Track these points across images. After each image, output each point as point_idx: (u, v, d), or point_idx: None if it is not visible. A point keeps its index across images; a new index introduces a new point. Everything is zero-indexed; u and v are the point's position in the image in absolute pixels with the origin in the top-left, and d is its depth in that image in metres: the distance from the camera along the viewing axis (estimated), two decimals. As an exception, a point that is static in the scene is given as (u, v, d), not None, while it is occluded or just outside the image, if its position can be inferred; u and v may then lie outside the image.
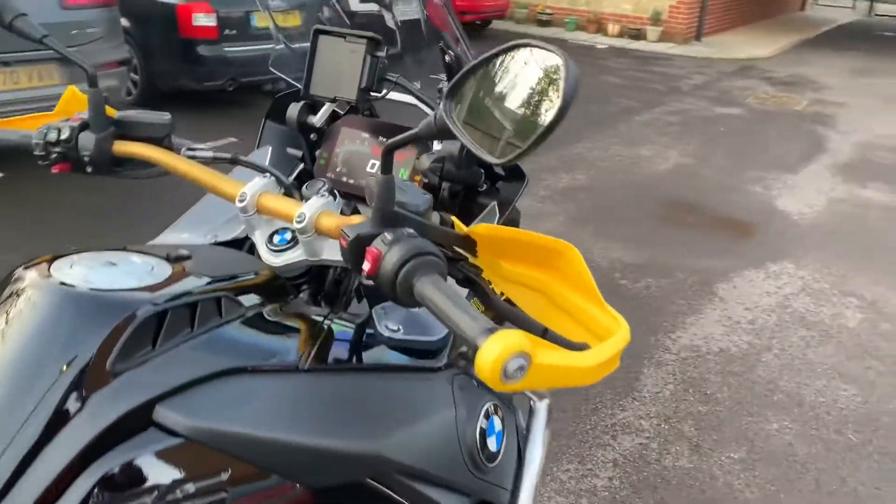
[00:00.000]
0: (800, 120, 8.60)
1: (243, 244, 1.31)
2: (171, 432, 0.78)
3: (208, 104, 7.08)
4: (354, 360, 0.95)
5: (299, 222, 1.03)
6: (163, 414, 0.78)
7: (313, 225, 1.03)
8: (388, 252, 0.79)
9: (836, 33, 17.36)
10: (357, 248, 0.83)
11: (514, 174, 1.37)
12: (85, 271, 0.86)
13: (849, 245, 4.98)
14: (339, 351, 0.95)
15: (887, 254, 4.87)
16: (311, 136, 1.46)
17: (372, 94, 1.24)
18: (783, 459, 2.78)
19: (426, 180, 1.28)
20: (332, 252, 1.10)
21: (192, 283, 0.89)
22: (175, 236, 1.26)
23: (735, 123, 8.18)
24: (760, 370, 3.39)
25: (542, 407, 1.10)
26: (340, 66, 1.24)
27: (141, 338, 0.80)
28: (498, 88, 0.72)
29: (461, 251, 0.92)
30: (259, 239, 1.14)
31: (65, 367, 0.76)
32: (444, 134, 0.73)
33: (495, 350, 0.62)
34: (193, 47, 6.50)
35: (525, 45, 0.69)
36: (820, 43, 15.45)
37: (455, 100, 0.74)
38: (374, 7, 1.40)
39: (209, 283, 0.90)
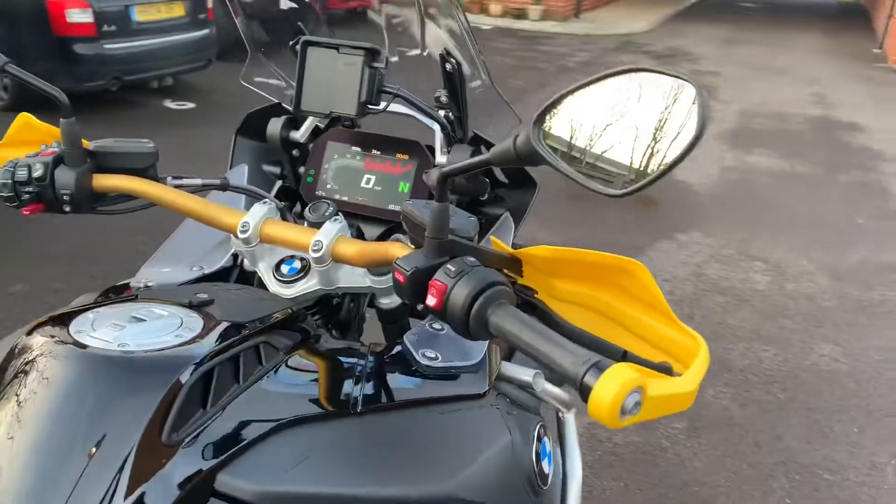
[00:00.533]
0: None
1: (230, 274, 1.23)
2: (234, 500, 0.73)
3: (91, 107, 6.64)
4: (400, 394, 0.91)
5: (316, 251, 0.97)
6: (225, 482, 0.72)
7: (330, 253, 0.98)
8: (455, 285, 0.76)
9: (703, 5, 18.21)
10: (417, 282, 0.79)
11: (522, 181, 1.34)
12: (112, 330, 0.78)
13: (745, 210, 5.26)
14: (384, 386, 0.91)
15: (778, 215, 5.17)
16: (294, 151, 1.38)
17: (371, 107, 1.18)
18: (724, 424, 2.91)
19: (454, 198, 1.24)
20: (349, 279, 1.04)
21: (228, 333, 0.82)
22: (157, 270, 1.16)
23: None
24: (687, 339, 3.53)
25: (570, 418, 1.09)
26: (335, 79, 1.17)
27: (191, 401, 0.74)
28: (608, 115, 0.69)
29: (509, 273, 0.89)
30: (264, 270, 1.07)
31: (108, 446, 0.68)
32: (530, 160, 0.70)
33: (612, 389, 0.60)
34: (69, 46, 6.08)
35: (644, 70, 0.67)
36: (690, 15, 16.18)
37: (543, 125, 0.70)
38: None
39: (244, 331, 0.84)
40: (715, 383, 3.17)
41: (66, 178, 1.04)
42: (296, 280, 1.04)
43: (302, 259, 1.06)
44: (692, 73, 9.86)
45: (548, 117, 0.70)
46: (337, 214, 1.05)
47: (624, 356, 0.80)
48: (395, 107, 1.27)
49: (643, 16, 15.00)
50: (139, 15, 6.39)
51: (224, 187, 1.14)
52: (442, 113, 1.29)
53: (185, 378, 0.74)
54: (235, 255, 1.23)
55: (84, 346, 0.76)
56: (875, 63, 11.68)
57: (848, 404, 3.11)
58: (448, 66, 1.20)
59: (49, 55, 6.09)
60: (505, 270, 0.88)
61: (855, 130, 7.50)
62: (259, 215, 1.02)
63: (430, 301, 0.77)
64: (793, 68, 10.76)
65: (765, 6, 18.91)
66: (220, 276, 1.19)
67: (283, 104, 1.42)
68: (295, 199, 1.41)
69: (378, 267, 0.97)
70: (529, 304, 0.88)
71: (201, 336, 0.80)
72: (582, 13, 14.53)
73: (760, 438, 2.85)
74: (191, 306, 0.86)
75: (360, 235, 1.26)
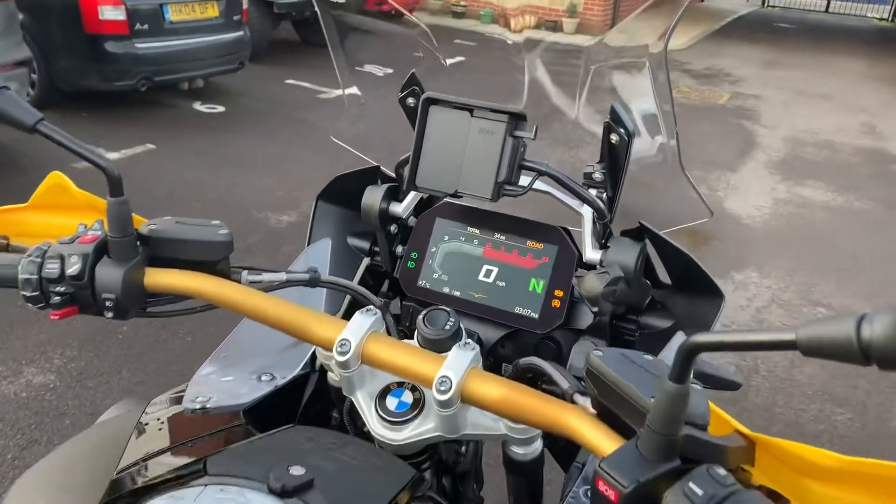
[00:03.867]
0: (725, 115, 8.68)
1: (306, 383, 0.97)
2: None
3: (118, 106, 6.46)
4: None
5: (443, 391, 0.71)
6: None
7: (460, 395, 0.72)
8: None
9: (739, 24, 17.85)
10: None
11: (698, 286, 1.07)
12: None
13: (803, 250, 4.96)
14: None
15: (838, 256, 4.87)
16: (392, 227, 1.12)
17: (508, 187, 0.93)
18: None
19: (595, 308, 0.98)
20: (478, 423, 0.79)
21: None
22: (215, 378, 0.91)
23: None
24: (753, 396, 3.25)
25: None
26: (466, 150, 0.92)
27: None
28: None
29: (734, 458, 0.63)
30: (365, 402, 0.81)
31: None
32: (889, 364, 0.44)
33: None
34: (101, 44, 5.87)
35: None
36: (727, 34, 15.84)
37: None
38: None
39: None
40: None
41: (110, 276, 0.79)
42: (407, 420, 0.78)
43: (413, 388, 0.80)
44: (734, 95, 9.57)
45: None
46: (467, 338, 0.80)
47: None
48: (528, 180, 1.01)
49: (680, 32, 14.68)
50: (173, 14, 6.18)
51: (314, 283, 0.89)
52: (593, 192, 1.03)
53: None
54: (313, 356, 0.98)
55: None
56: None
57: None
58: (614, 138, 0.94)
59: (79, 52, 5.90)
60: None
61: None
62: (363, 331, 0.77)
63: None
64: (837, 94, 10.41)
65: (802, 27, 18.53)
66: (295, 387, 0.94)
67: (385, 169, 1.16)
68: (381, 281, 1.15)
69: (535, 427, 0.71)
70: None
71: None
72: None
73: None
74: (284, 494, 0.60)
75: (479, 344, 1.01)
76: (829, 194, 6.09)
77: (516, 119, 0.90)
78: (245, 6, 6.97)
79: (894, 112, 9.58)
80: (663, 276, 1.10)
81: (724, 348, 0.51)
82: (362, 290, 0.94)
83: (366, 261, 1.17)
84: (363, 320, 0.77)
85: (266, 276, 0.88)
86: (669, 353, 0.97)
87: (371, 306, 0.80)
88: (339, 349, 0.75)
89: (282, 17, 9.01)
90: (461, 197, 0.96)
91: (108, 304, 0.78)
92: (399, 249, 1.14)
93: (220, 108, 6.77)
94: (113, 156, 5.30)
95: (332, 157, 5.41)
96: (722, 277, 4.36)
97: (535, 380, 0.83)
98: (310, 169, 5.30)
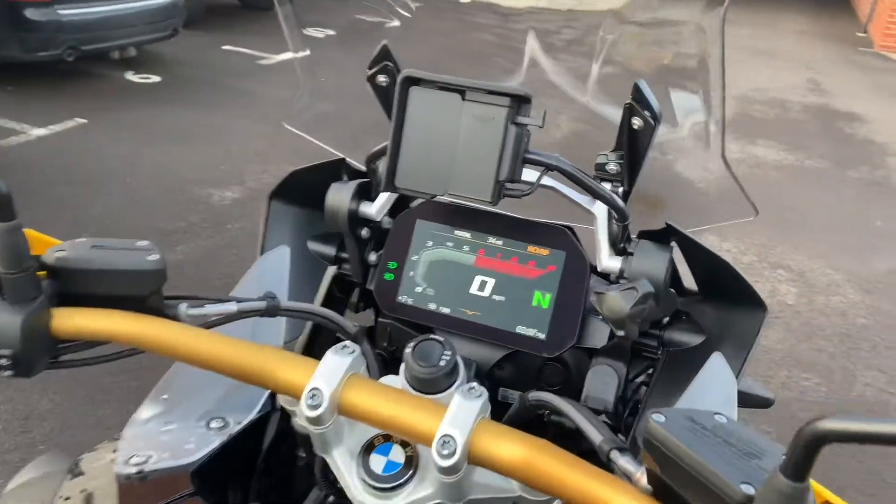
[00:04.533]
0: (672, 75, 8.61)
1: (265, 428, 0.82)
2: None
3: (45, 78, 6.05)
4: None
5: (447, 455, 0.57)
6: None
7: (467, 455, 0.58)
8: None
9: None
10: None
11: (732, 293, 0.93)
12: None
13: (760, 211, 4.93)
14: None
15: (794, 216, 4.86)
16: (363, 231, 0.96)
17: (510, 186, 0.77)
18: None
19: (620, 332, 0.83)
20: (486, 485, 0.64)
21: None
22: (155, 429, 0.75)
23: (615, 82, 8.06)
24: (720, 365, 3.20)
25: None
26: (457, 140, 0.75)
27: None
28: None
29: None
30: (344, 463, 0.65)
31: None
32: None
33: None
34: (20, 11, 5.45)
35: None
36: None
37: None
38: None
39: None
40: (758, 421, 2.84)
41: (4, 326, 0.61)
42: (399, 485, 0.63)
43: (405, 443, 0.65)
44: (678, 55, 9.52)
45: None
46: (465, 369, 0.65)
47: None
48: (530, 174, 0.85)
49: (625, -9, 14.55)
50: (99, -22, 5.78)
51: (273, 313, 0.72)
52: (608, 187, 0.88)
53: None
54: (273, 395, 0.82)
55: None
56: (861, 47, 11.44)
57: (905, 446, 2.80)
58: (636, 122, 0.79)
59: (-4, 20, 5.48)
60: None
61: (855, 121, 7.22)
62: (338, 375, 0.61)
63: None
64: (782, 52, 10.45)
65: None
66: (253, 434, 0.78)
67: (353, 162, 0.99)
68: (351, 289, 0.99)
69: (564, 500, 0.57)
70: None
71: None
72: (563, -14, 14.04)
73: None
74: None
75: (477, 375, 0.86)
76: (780, 153, 6.08)
77: (519, 102, 0.75)
78: (176, -31, 6.58)
79: (836, 69, 9.68)
80: (685, 279, 0.97)
81: (866, 440, 0.38)
82: (334, 316, 0.79)
83: (331, 270, 1.01)
84: (337, 362, 0.62)
85: (211, 309, 0.71)
86: (707, 381, 0.84)
87: (347, 343, 0.64)
88: (309, 402, 0.60)
89: (217, -20, 8.57)
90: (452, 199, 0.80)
91: (3, 361, 0.61)
92: (373, 257, 0.98)
93: (155, 78, 6.40)
94: (40, 132, 4.96)
95: (278, 128, 5.15)
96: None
97: (544, 420, 0.69)
98: (253, 140, 5.04)
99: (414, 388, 0.66)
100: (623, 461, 0.56)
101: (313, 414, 0.60)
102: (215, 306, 0.72)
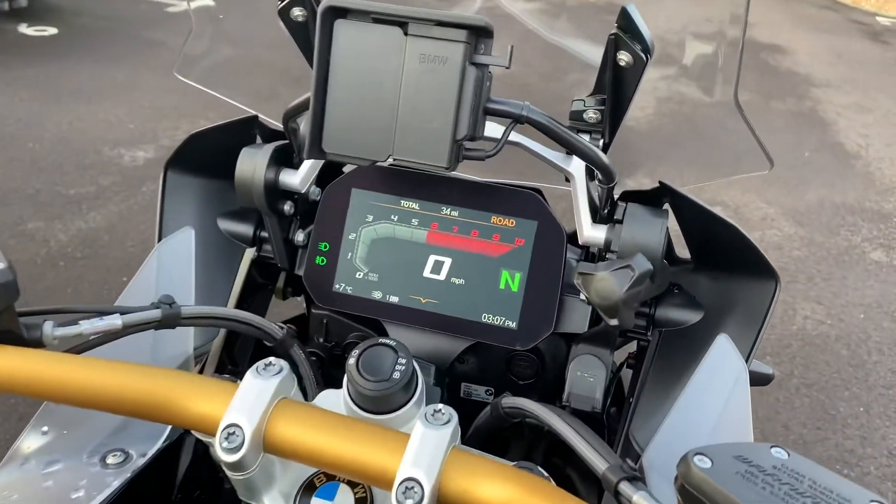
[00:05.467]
0: (599, 12, 8.52)
1: (177, 457, 0.66)
2: None
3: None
4: None
5: (412, 499, 0.43)
6: None
7: (436, 498, 0.44)
8: None
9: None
10: None
11: (741, 267, 0.79)
12: None
13: (688, 147, 4.91)
14: None
15: (723, 150, 4.85)
16: (285, 205, 0.79)
17: (470, 145, 0.62)
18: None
19: (613, 322, 0.69)
20: None
21: None
22: (35, 470, 0.59)
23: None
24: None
25: None
26: (400, 89, 0.59)
27: None
28: None
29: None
30: None
31: None
32: None
33: None
34: None
35: None
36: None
37: None
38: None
39: None
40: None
41: None
42: None
43: (352, 482, 0.52)
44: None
45: None
46: (431, 384, 0.52)
47: None
48: (493, 129, 0.70)
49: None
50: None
51: (172, 323, 0.57)
52: (586, 139, 0.74)
53: None
54: None
55: None
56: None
57: (846, 376, 2.83)
58: (623, 59, 0.65)
59: None
60: None
61: (778, 53, 7.27)
62: (262, 405, 0.47)
63: None
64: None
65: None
66: (163, 463, 0.63)
67: (267, 120, 0.81)
68: (275, 273, 0.84)
69: None
70: None
71: None
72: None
73: (767, 430, 2.53)
74: None
75: (437, 373, 0.72)
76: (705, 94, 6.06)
77: (477, 35, 0.59)
78: None
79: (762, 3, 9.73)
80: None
81: None
82: (252, 319, 0.64)
83: (250, 253, 0.84)
84: (260, 387, 0.47)
85: (87, 326, 0.55)
86: (714, 368, 0.72)
87: (271, 360, 0.50)
88: (224, 443, 0.45)
89: (113, -78, 7.95)
90: (397, 165, 0.64)
91: None
92: (300, 236, 0.82)
93: (52, 31, 5.92)
94: (-77, 94, 4.52)
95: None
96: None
97: (520, 426, 0.56)
98: (164, 95, 4.71)
99: (361, 408, 0.52)
100: (638, 498, 0.43)
101: (232, 458, 0.46)
102: (94, 321, 0.56)
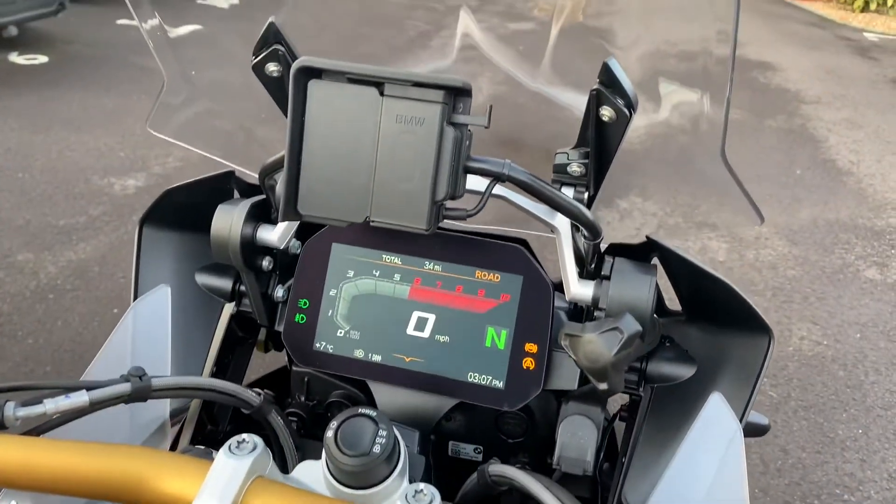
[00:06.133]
0: (586, 33, 8.58)
1: None
2: None
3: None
4: None
5: None
6: None
7: None
8: None
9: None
10: None
11: (732, 321, 0.78)
12: None
13: (680, 166, 4.91)
14: None
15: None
16: (263, 261, 0.77)
17: (449, 207, 0.60)
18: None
19: (603, 386, 0.66)
20: None
21: None
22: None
23: (531, 39, 7.95)
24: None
25: None
26: (376, 149, 0.57)
27: None
28: None
29: None
30: None
31: None
32: None
33: None
34: None
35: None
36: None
37: None
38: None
39: None
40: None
41: None
42: None
43: None
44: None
45: None
46: (414, 451, 0.49)
47: None
48: (475, 181, 0.68)
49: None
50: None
51: (143, 396, 0.55)
52: (570, 194, 0.72)
53: None
54: None
55: None
56: (768, -7, 11.65)
57: (844, 398, 2.81)
58: (606, 113, 0.64)
59: None
60: None
61: (768, 70, 7.32)
62: (234, 487, 0.44)
63: None
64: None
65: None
66: None
67: (243, 170, 0.80)
68: (254, 328, 0.81)
69: None
70: None
71: None
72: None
73: (766, 455, 2.50)
74: None
75: (422, 437, 0.69)
76: (688, 103, 6.08)
77: (455, 95, 0.58)
78: (58, -63, 6.06)
79: (747, 17, 9.80)
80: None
81: None
82: (228, 388, 0.62)
83: (229, 308, 0.82)
84: (233, 467, 0.45)
85: (52, 405, 0.53)
86: (707, 427, 0.70)
87: (244, 437, 0.47)
88: None
89: (104, -51, 7.98)
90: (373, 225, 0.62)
91: None
92: (279, 292, 0.80)
93: (43, 59, 5.92)
94: (-87, 125, 4.51)
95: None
96: (606, 206, 4.23)
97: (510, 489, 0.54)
98: (156, 122, 4.70)
99: (341, 482, 0.50)
100: None
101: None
102: (59, 399, 0.54)
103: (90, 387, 0.55)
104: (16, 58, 5.89)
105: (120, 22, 7.04)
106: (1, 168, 4.06)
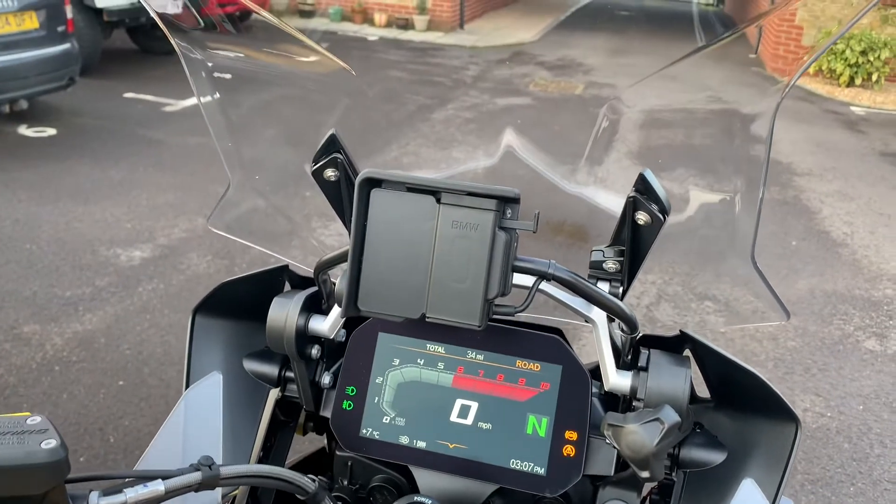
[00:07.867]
0: (584, 104, 8.80)
1: None
2: None
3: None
4: None
5: None
6: None
7: None
8: None
9: (582, 14, 18.35)
10: None
11: (761, 409, 0.81)
12: None
13: (678, 238, 4.99)
14: None
15: (714, 240, 4.93)
16: (313, 349, 0.81)
17: (499, 304, 0.65)
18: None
19: (645, 474, 0.69)
20: None
21: None
22: None
23: (529, 113, 8.14)
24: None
25: None
26: (433, 252, 0.62)
27: None
28: None
29: None
30: None
31: None
32: None
33: None
34: None
35: None
36: (573, 24, 16.20)
37: None
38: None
39: None
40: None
41: None
42: None
43: None
44: (589, 84, 9.76)
45: None
46: None
47: None
48: (520, 278, 0.73)
49: (527, 25, 14.86)
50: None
51: (212, 484, 0.58)
52: (605, 288, 0.77)
53: None
54: None
55: None
56: (754, 68, 11.98)
57: (850, 471, 2.81)
58: (642, 218, 0.69)
59: None
60: None
61: (759, 143, 7.47)
62: None
63: None
64: (680, 75, 10.83)
65: (640, 14, 19.36)
66: None
67: (296, 265, 0.84)
68: (296, 410, 0.85)
69: None
70: None
71: None
72: (466, 23, 14.20)
73: None
74: None
75: None
76: (688, 182, 6.20)
77: (505, 203, 0.63)
78: (70, 16, 6.26)
79: (733, 89, 10.06)
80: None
81: None
82: (287, 475, 0.64)
83: (274, 393, 0.86)
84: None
85: (132, 494, 0.56)
86: None
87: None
88: None
89: (114, 26, 8.23)
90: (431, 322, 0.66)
91: None
92: (326, 379, 0.83)
93: (51, 131, 6.05)
94: (-78, 196, 4.57)
95: (187, 179, 4.91)
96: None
97: None
98: (162, 192, 4.79)
99: None
100: None
101: None
102: (137, 488, 0.57)
103: (164, 476, 0.58)
104: (25, 130, 6.02)
105: (127, 95, 7.22)
106: (9, 239, 4.11)
